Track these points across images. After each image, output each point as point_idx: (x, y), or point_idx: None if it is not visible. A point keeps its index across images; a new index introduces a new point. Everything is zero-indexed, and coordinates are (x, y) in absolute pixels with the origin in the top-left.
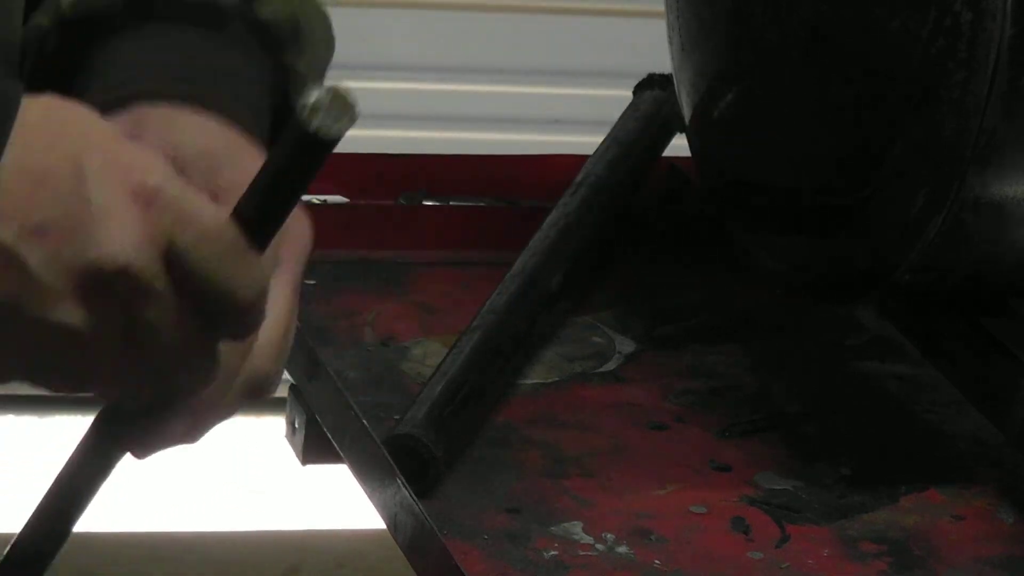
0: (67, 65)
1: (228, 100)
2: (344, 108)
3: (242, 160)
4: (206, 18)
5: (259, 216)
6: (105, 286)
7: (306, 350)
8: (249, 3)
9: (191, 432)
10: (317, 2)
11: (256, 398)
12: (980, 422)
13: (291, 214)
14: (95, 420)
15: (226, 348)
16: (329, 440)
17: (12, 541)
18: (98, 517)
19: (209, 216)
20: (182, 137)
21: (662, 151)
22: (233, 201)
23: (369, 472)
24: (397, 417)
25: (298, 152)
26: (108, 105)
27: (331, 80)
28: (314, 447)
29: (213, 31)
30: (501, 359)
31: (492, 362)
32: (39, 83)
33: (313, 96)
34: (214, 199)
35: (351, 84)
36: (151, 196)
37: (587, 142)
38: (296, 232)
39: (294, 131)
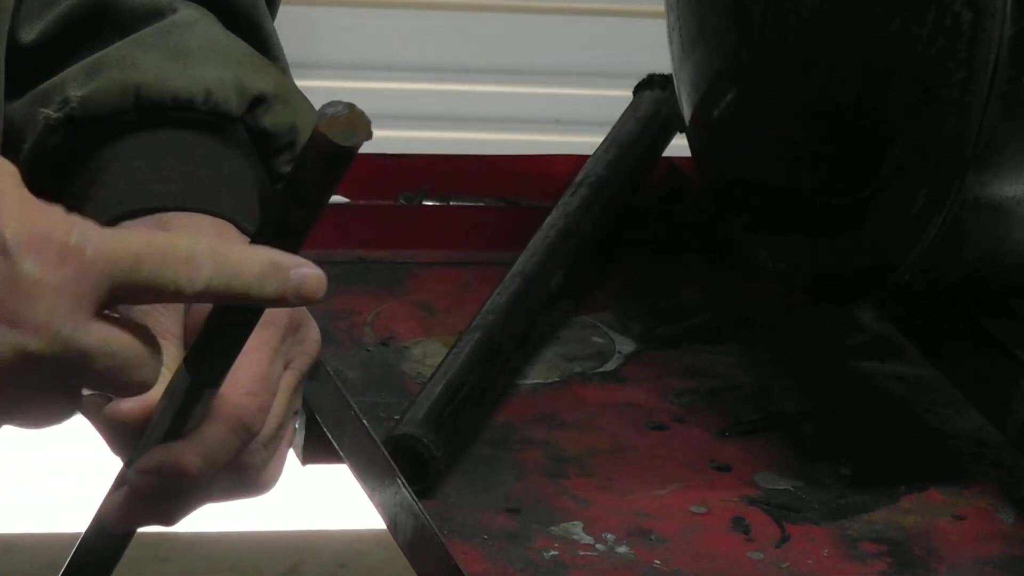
0: (68, 160)
1: (229, 204)
2: (360, 124)
3: None
4: (213, 125)
5: (283, 227)
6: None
7: None
8: (252, 111)
9: (170, 513)
10: (313, 109)
11: (246, 494)
12: (980, 422)
13: (304, 322)
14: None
15: (218, 439)
16: (329, 440)
17: (75, 546)
18: None
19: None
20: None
21: (662, 151)
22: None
23: (369, 472)
24: (397, 417)
25: (317, 162)
26: (118, 219)
27: (330, 79)
28: (314, 447)
29: (218, 138)
30: (501, 359)
31: (492, 362)
32: (35, 173)
33: (333, 109)
34: None
35: (351, 84)
36: (76, 255)
37: (587, 142)
38: (309, 337)
39: (313, 142)
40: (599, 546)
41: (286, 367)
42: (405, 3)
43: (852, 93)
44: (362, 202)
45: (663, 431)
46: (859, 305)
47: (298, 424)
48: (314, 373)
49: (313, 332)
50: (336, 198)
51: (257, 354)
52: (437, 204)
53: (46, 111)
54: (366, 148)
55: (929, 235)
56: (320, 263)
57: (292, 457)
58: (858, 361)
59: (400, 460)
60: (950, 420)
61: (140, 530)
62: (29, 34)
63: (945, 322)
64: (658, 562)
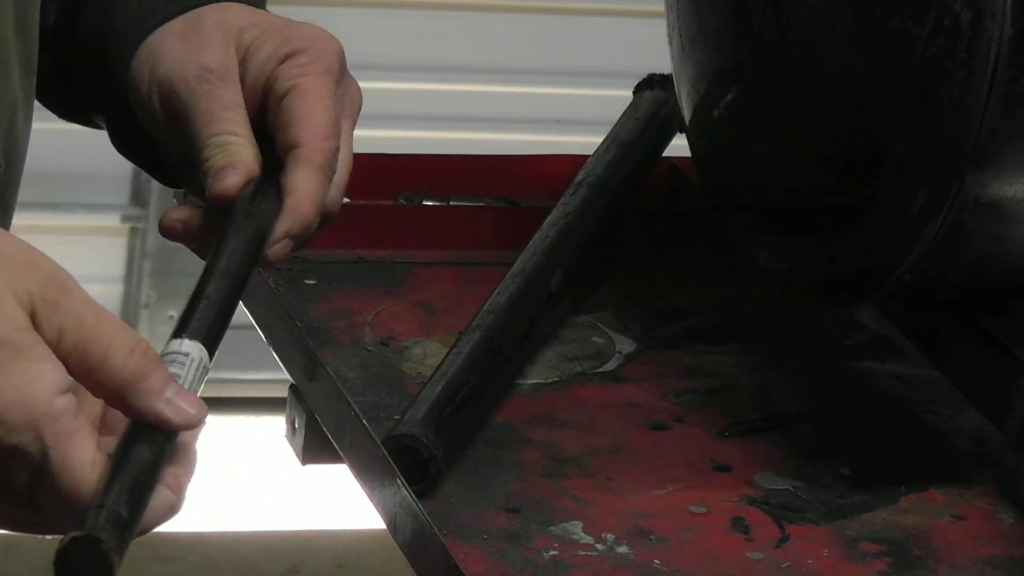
0: None
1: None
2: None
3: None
4: None
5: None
6: None
7: (305, 350)
8: None
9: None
10: None
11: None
12: (980, 422)
13: (346, 73)
14: None
15: (315, 182)
16: (329, 440)
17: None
18: None
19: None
20: (237, 20)
21: (662, 151)
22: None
23: (369, 472)
24: (397, 417)
25: None
26: (156, 26)
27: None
28: (314, 447)
29: None
30: (501, 359)
31: (492, 362)
32: None
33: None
34: (289, 55)
35: None
36: None
37: (587, 142)
38: (354, 86)
39: None
40: (599, 546)
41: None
42: (405, 3)
43: (852, 93)
44: (362, 202)
45: (663, 431)
46: (859, 305)
47: (298, 424)
48: (314, 372)
49: (355, 82)
50: None
51: (326, 100)
52: (437, 204)
53: None
54: (366, 148)
55: (929, 235)
56: (320, 263)
57: (292, 457)
58: (858, 361)
59: (400, 460)
60: (950, 420)
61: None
62: None
63: (945, 322)
64: (658, 562)
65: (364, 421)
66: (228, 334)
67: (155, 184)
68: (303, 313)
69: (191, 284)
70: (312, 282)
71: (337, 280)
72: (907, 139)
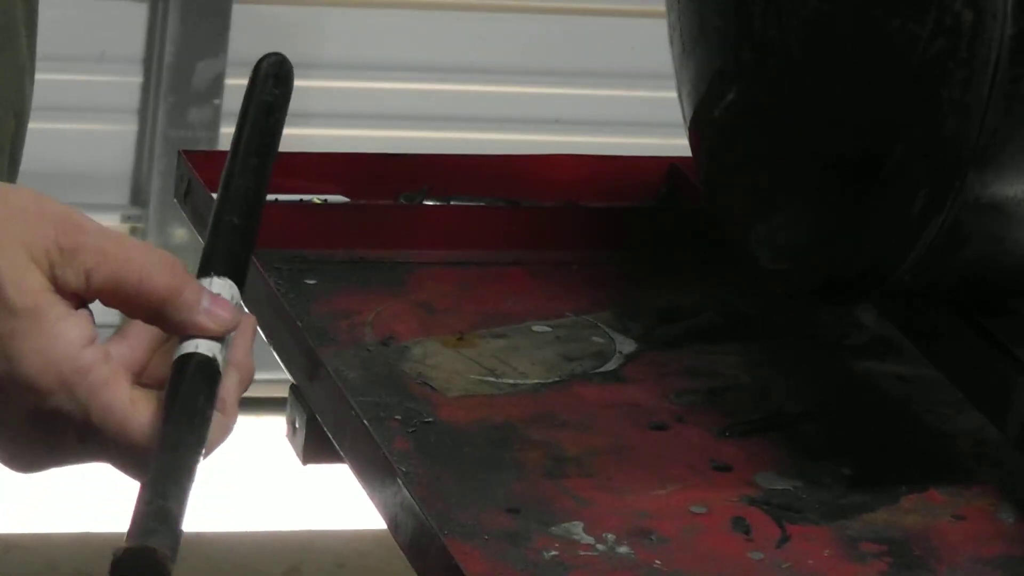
0: None
1: None
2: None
3: None
4: None
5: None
6: None
7: (306, 350)
8: None
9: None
10: None
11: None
12: (980, 422)
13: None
14: None
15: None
16: (329, 440)
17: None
18: (98, 517)
19: None
20: None
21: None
22: None
23: (369, 472)
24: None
25: None
26: None
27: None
28: (314, 447)
29: None
30: None
31: None
32: None
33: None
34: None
35: (352, 84)
36: None
37: (587, 142)
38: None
39: None
40: (599, 546)
41: None
42: (405, 3)
43: (852, 93)
44: (362, 202)
45: (663, 431)
46: (859, 305)
47: (298, 424)
48: (314, 372)
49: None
50: (336, 198)
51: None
52: (437, 204)
53: None
54: (366, 148)
55: (929, 235)
56: (320, 263)
57: (292, 457)
58: (858, 361)
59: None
60: (950, 420)
61: None
62: None
63: (945, 322)
64: (658, 562)
65: (364, 421)
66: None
67: (155, 184)
68: (304, 313)
69: None
70: (312, 282)
71: (337, 280)
72: (907, 139)
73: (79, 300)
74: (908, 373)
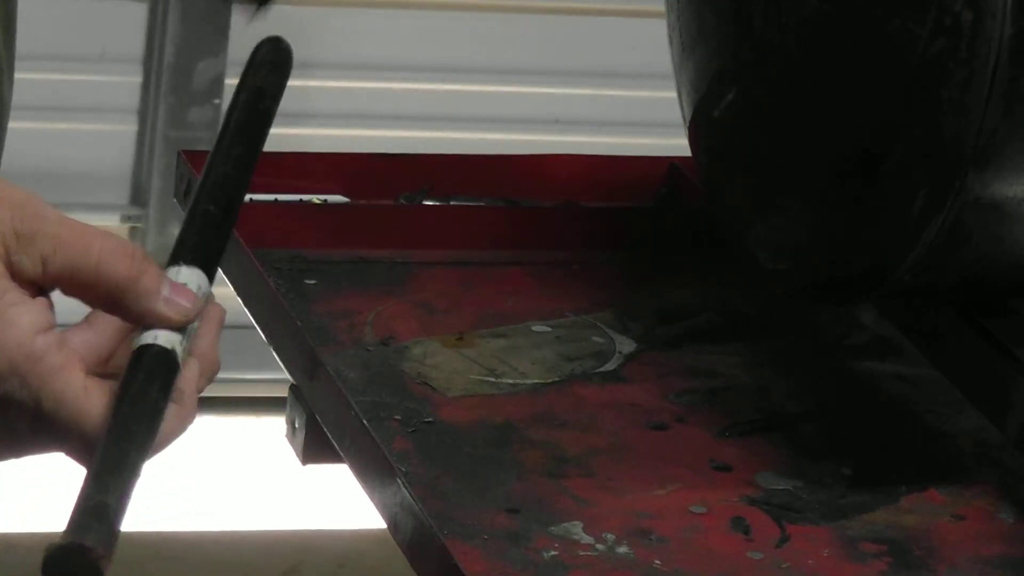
0: None
1: None
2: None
3: None
4: None
5: None
6: None
7: (306, 350)
8: None
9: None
10: None
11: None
12: (980, 422)
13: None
14: None
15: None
16: (329, 440)
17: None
18: None
19: None
20: None
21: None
22: None
23: (369, 472)
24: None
25: None
26: None
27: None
28: (314, 447)
29: None
30: None
31: None
32: None
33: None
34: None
35: (352, 84)
36: None
37: (587, 142)
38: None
39: None
40: (599, 546)
41: None
42: (405, 3)
43: (852, 93)
44: (362, 202)
45: (663, 431)
46: (859, 305)
47: (298, 424)
48: (314, 372)
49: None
50: (336, 198)
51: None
52: (437, 204)
53: None
54: (366, 148)
55: (929, 235)
56: (320, 263)
57: (292, 457)
58: (858, 361)
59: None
60: (950, 420)
61: (140, 530)
62: None
63: (945, 322)
64: (658, 562)
65: (364, 421)
66: (228, 334)
67: (155, 184)
68: (303, 313)
69: None
70: (312, 282)
71: (337, 280)
72: (907, 139)
73: (36, 288)
74: (908, 373)
